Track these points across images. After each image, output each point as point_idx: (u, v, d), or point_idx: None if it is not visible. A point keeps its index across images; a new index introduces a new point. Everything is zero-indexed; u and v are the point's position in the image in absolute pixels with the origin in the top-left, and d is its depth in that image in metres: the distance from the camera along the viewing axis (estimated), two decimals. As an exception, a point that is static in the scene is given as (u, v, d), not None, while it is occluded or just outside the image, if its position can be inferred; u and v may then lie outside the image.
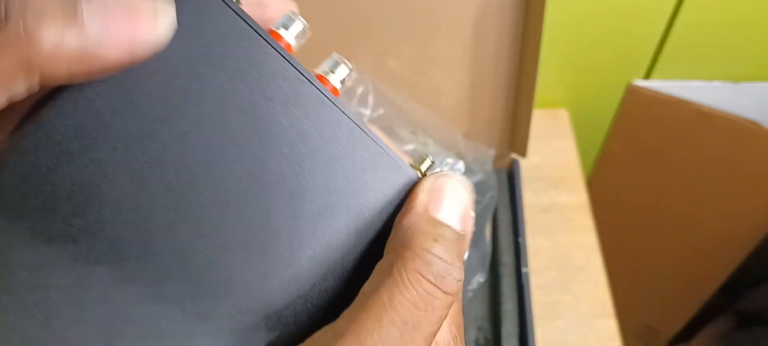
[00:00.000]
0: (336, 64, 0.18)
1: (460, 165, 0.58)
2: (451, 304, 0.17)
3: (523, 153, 0.61)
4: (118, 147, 0.14)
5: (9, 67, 0.12)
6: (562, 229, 0.61)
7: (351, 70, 0.18)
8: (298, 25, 0.17)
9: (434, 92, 0.60)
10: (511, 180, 0.62)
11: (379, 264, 0.17)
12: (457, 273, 0.17)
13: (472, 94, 0.60)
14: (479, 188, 0.58)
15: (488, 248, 0.56)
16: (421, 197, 0.18)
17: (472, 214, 0.19)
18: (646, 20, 0.64)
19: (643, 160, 0.79)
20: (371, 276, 0.17)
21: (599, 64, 0.69)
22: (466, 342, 0.57)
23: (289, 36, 0.17)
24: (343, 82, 0.18)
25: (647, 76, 0.71)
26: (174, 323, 0.15)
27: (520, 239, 0.57)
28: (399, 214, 0.18)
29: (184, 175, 0.14)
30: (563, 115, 0.73)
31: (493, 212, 0.58)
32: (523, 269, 0.55)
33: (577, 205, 0.63)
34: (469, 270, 0.52)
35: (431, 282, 0.16)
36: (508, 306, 0.53)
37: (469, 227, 0.18)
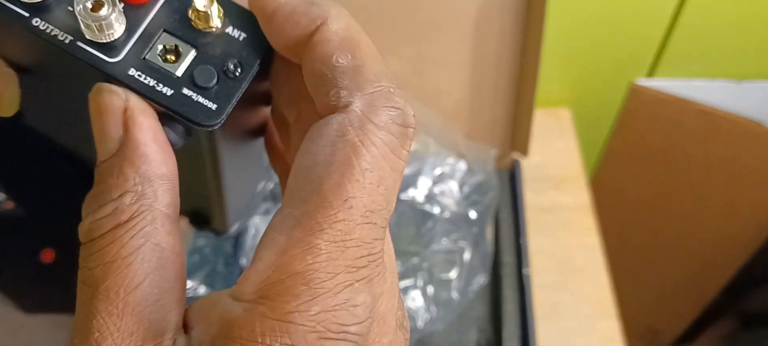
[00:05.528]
0: None
1: (462, 165, 0.58)
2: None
3: (524, 153, 0.61)
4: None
5: None
6: (563, 229, 0.61)
7: None
8: None
9: (435, 92, 0.60)
10: (512, 180, 0.62)
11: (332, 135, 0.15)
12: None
13: (473, 93, 0.60)
14: (480, 189, 0.58)
15: (490, 248, 0.56)
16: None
17: None
18: (648, 19, 0.64)
19: (646, 159, 0.79)
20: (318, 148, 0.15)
21: (601, 63, 0.69)
22: (467, 344, 0.57)
23: None
24: None
25: (650, 75, 0.70)
26: None
27: (521, 240, 0.57)
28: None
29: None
30: (565, 115, 0.72)
31: (494, 213, 0.58)
32: (525, 270, 0.55)
33: (579, 205, 0.63)
34: (470, 271, 0.52)
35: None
36: (510, 307, 0.54)
37: None
